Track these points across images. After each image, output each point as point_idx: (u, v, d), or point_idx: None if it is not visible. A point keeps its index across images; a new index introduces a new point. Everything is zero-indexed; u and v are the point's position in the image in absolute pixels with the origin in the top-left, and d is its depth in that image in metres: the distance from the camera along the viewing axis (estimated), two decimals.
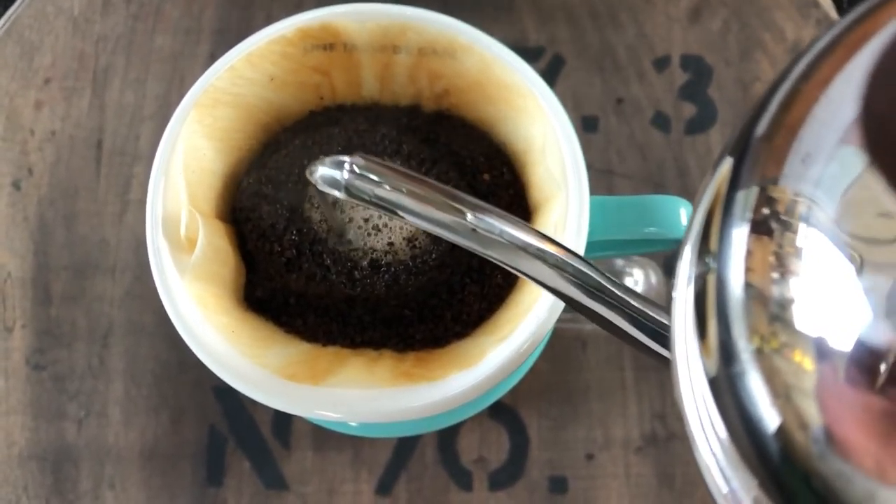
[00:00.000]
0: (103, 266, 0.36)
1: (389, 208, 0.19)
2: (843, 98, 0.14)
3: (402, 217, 0.19)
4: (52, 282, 0.36)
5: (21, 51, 0.39)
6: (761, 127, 0.15)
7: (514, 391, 0.35)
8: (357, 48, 0.27)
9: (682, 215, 0.25)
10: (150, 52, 0.39)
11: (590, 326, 0.35)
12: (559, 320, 0.35)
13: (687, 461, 0.34)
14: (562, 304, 0.24)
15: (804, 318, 0.13)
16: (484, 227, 0.19)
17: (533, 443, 0.34)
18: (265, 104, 0.27)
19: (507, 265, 0.19)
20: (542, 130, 0.25)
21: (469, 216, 0.19)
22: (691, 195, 0.37)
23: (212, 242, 0.24)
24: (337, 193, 0.19)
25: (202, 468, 0.34)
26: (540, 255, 0.19)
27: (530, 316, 0.24)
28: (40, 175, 0.38)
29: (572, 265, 0.19)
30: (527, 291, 0.25)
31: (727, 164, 0.15)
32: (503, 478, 0.34)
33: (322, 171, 0.19)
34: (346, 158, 0.19)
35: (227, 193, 0.27)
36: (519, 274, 0.19)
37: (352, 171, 0.19)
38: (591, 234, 0.24)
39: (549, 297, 0.24)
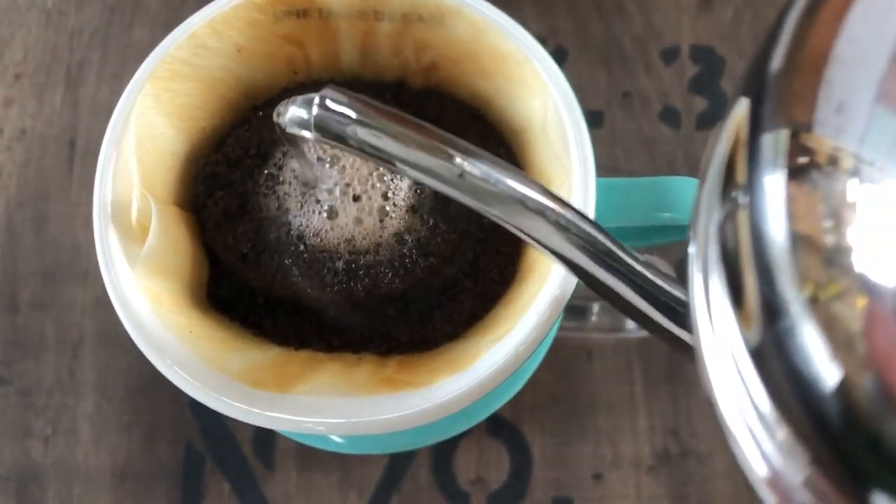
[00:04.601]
0: (75, 272, 0.35)
1: (365, 150, 0.17)
2: (868, 33, 0.13)
3: (380, 161, 0.17)
4: (19, 289, 0.35)
5: None
6: (776, 62, 0.13)
7: (515, 405, 0.33)
8: (334, 14, 0.25)
9: None
10: (127, 47, 0.38)
11: (596, 335, 0.34)
12: (562, 328, 0.33)
13: (703, 480, 0.33)
14: (564, 302, 0.22)
15: (869, 264, 0.12)
16: (474, 174, 0.17)
17: (536, 461, 0.33)
18: (231, 78, 0.25)
19: (503, 221, 0.17)
20: (542, 103, 0.23)
21: (457, 159, 0.17)
22: None
23: (167, 231, 0.22)
24: (306, 134, 0.18)
25: (178, 489, 0.33)
26: (540, 212, 0.17)
27: (529, 313, 0.22)
28: (9, 176, 0.36)
29: (578, 226, 0.17)
30: (525, 288, 0.23)
31: (744, 105, 0.14)
32: (504, 500, 0.33)
33: (291, 112, 0.18)
34: (317, 93, 0.17)
35: (188, 178, 0.25)
36: (517, 233, 0.17)
37: (322, 106, 0.17)
38: (597, 219, 0.22)
39: (550, 294, 0.22)
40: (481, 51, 0.24)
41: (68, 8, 0.38)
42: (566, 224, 0.17)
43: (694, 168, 0.36)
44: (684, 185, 0.23)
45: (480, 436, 0.33)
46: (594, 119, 0.37)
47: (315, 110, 0.17)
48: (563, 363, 0.34)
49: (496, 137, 0.25)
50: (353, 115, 0.17)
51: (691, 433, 0.33)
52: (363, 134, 0.17)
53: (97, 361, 0.34)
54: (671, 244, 0.35)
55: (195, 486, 0.33)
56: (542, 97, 0.23)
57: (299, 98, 0.18)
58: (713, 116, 0.37)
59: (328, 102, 0.17)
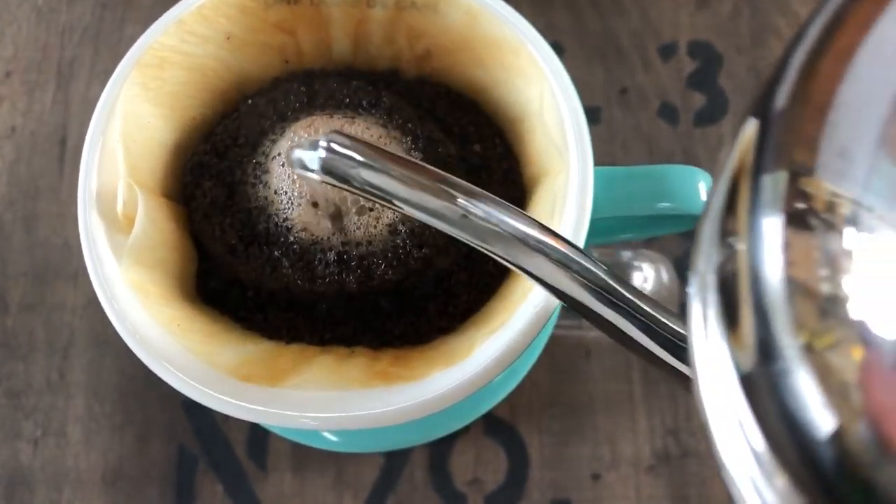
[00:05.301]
0: (65, 272, 0.35)
1: (370, 192, 0.17)
2: (874, 76, 0.13)
3: (385, 202, 0.17)
4: (8, 289, 0.34)
5: None
6: (780, 99, 0.13)
7: (512, 404, 0.33)
8: (325, 1, 0.24)
9: (701, 189, 0.22)
10: (119, 43, 0.37)
11: (594, 333, 0.33)
12: (560, 326, 0.33)
13: (703, 480, 0.32)
14: None
15: (866, 315, 0.12)
16: (477, 215, 0.17)
17: (533, 462, 0.32)
18: (222, 67, 0.25)
19: (505, 260, 0.18)
20: (539, 91, 0.23)
21: (460, 200, 0.17)
22: None
23: (154, 222, 0.22)
24: (314, 176, 0.18)
25: (170, 492, 0.32)
26: (540, 249, 0.17)
27: (525, 304, 0.21)
28: None
29: (577, 262, 0.17)
30: (521, 280, 0.22)
31: (751, 127, 0.14)
32: (501, 501, 0.32)
33: (298, 153, 0.18)
34: (324, 137, 0.18)
35: (176, 169, 0.24)
36: (518, 271, 0.18)
37: (329, 150, 0.17)
38: (595, 210, 0.22)
39: None
40: (476, 38, 0.24)
41: (59, 5, 0.38)
42: (567, 262, 0.17)
43: (692, 164, 0.36)
44: (685, 174, 0.23)
45: (477, 436, 0.32)
46: (591, 116, 0.36)
47: (322, 153, 0.17)
48: (561, 362, 0.33)
49: (492, 128, 0.25)
50: (358, 157, 0.17)
51: (691, 433, 0.32)
52: (368, 176, 0.17)
53: (88, 363, 0.33)
54: (671, 239, 0.34)
55: (188, 488, 0.32)
56: (539, 83, 0.23)
57: (306, 140, 0.18)
58: (711, 112, 0.36)
59: (334, 146, 0.17)
